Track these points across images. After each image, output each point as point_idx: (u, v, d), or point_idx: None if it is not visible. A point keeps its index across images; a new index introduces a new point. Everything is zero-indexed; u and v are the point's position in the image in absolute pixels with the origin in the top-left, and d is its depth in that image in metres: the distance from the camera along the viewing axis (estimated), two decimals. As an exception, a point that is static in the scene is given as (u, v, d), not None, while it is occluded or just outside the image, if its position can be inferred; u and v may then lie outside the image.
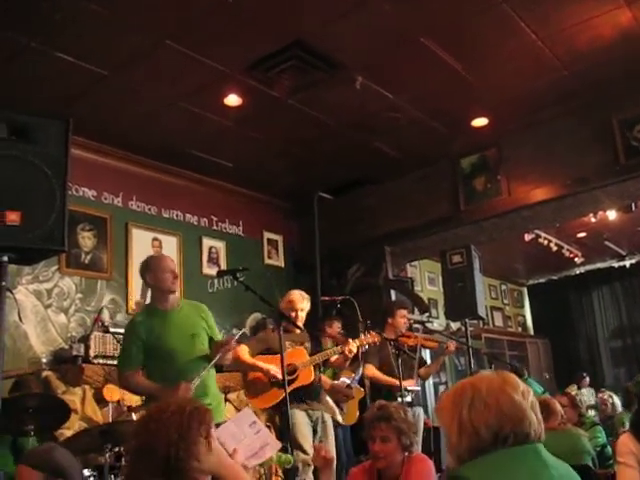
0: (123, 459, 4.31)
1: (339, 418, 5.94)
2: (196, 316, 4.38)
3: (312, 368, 4.94)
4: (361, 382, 6.13)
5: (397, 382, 5.40)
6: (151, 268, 4.27)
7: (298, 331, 5.02)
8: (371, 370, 5.73)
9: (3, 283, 3.10)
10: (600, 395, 8.19)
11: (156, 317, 4.22)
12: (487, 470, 1.69)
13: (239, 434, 2.50)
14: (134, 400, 5.52)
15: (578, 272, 12.49)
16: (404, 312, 6.19)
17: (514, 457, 1.72)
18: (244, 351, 4.87)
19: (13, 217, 3.03)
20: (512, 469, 1.69)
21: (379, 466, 3.12)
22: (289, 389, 4.37)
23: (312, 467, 4.50)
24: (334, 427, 5.40)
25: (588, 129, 6.41)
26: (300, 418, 4.78)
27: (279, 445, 2.63)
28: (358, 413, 6.16)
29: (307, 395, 4.88)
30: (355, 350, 5.03)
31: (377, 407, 3.28)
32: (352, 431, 6.39)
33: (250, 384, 4.92)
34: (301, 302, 5.08)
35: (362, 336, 5.15)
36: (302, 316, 5.08)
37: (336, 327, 6.25)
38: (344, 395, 6.07)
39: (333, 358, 5.07)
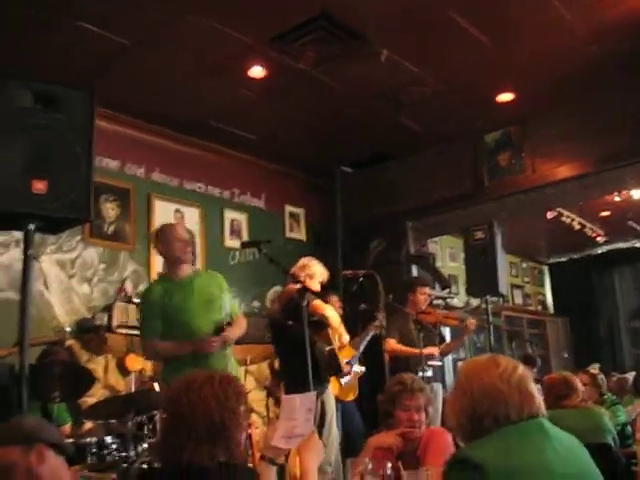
0: (145, 427, 4.38)
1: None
2: (213, 285, 4.36)
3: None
4: (377, 358, 6.07)
5: (428, 350, 5.45)
6: (162, 237, 4.27)
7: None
8: (391, 344, 5.73)
9: (30, 251, 3.12)
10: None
11: (170, 285, 4.21)
12: (490, 448, 1.73)
13: (295, 412, 2.49)
14: (155, 370, 5.60)
15: (600, 252, 12.36)
16: (425, 289, 6.20)
17: (516, 433, 1.77)
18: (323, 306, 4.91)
19: (39, 186, 3.04)
20: (516, 445, 1.73)
21: (414, 436, 3.13)
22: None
23: None
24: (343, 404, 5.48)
25: (615, 107, 6.32)
26: (331, 392, 4.86)
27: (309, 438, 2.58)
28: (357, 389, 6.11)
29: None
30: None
31: (408, 379, 3.28)
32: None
33: None
34: (324, 273, 5.13)
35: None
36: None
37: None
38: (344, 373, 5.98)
39: None
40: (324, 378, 4.75)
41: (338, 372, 5.02)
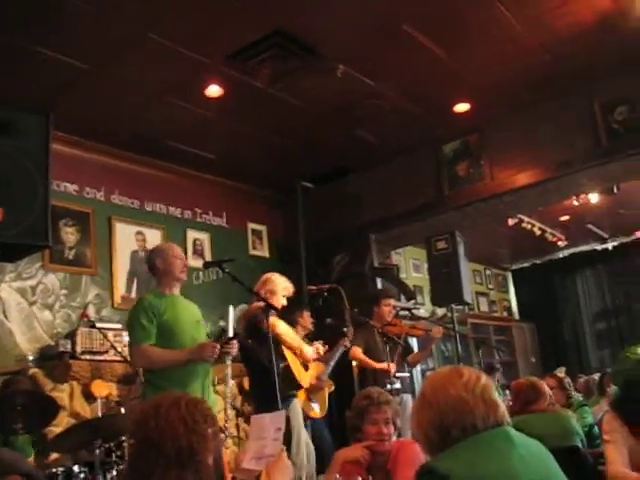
0: (113, 454, 4.30)
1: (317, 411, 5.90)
2: (195, 308, 4.44)
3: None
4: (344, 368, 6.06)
5: (381, 366, 5.44)
6: (161, 255, 4.29)
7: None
8: (357, 352, 5.74)
9: (-13, 280, 3.08)
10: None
11: (165, 300, 4.20)
12: (456, 459, 1.74)
13: (264, 431, 2.48)
14: (121, 396, 5.52)
15: (562, 256, 12.55)
16: (389, 301, 6.22)
17: (482, 442, 1.78)
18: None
19: (-5, 213, 3.00)
20: (481, 454, 1.74)
21: (383, 449, 3.12)
22: None
23: None
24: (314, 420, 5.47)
25: (570, 113, 6.44)
26: (299, 408, 4.82)
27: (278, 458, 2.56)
28: (327, 405, 6.09)
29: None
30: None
31: (374, 392, 3.28)
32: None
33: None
34: (290, 287, 5.11)
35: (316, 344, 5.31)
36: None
37: (307, 317, 6.14)
38: (316, 387, 5.94)
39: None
40: (283, 395, 4.69)
41: (296, 388, 5.01)
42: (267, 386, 4.15)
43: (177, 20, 4.75)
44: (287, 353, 4.85)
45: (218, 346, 4.05)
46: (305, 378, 5.05)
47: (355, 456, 3.06)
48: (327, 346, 5.48)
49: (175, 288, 4.32)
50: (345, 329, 5.57)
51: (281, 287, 5.02)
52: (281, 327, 4.78)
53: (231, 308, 4.28)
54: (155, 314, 4.09)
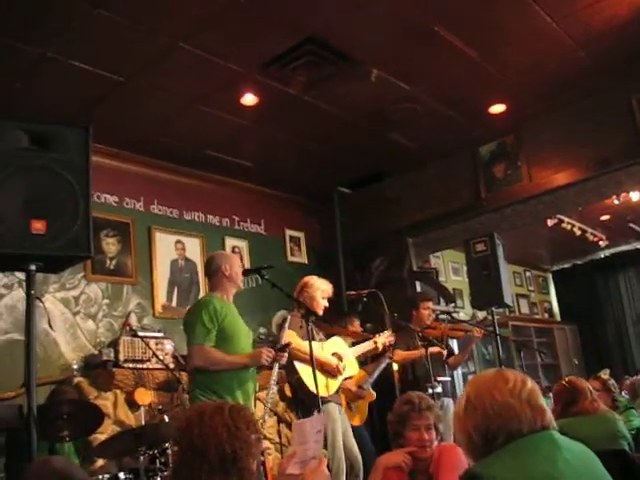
0: (157, 461, 4.35)
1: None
2: None
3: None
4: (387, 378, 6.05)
5: (433, 349, 5.49)
6: (230, 260, 4.45)
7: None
8: (400, 353, 5.71)
9: (32, 292, 3.13)
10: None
11: (226, 305, 4.32)
12: (500, 464, 1.72)
13: (306, 436, 2.50)
14: (164, 403, 5.57)
15: (603, 256, 12.35)
16: (428, 304, 6.19)
17: (527, 447, 1.75)
18: (296, 339, 4.75)
19: (38, 226, 3.06)
20: (526, 459, 1.72)
21: (425, 455, 3.11)
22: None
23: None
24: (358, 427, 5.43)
25: (608, 110, 6.34)
26: (335, 413, 4.78)
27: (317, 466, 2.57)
28: (367, 414, 6.09)
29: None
30: (381, 347, 5.14)
31: (415, 397, 3.26)
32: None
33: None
34: (329, 290, 5.11)
35: (377, 336, 5.23)
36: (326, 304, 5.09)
37: (356, 325, 6.17)
38: (357, 396, 5.90)
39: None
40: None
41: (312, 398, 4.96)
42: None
43: (209, 30, 4.80)
44: (299, 365, 4.78)
45: (273, 352, 4.18)
46: (330, 386, 4.93)
47: (397, 462, 3.05)
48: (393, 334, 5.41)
49: (231, 295, 4.44)
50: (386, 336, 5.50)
51: (319, 290, 5.04)
52: (294, 341, 4.78)
53: (288, 317, 4.57)
54: (217, 318, 4.18)
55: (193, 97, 5.71)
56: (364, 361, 5.80)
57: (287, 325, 4.61)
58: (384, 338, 5.31)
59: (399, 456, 3.08)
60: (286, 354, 4.33)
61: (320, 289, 5.05)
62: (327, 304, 5.05)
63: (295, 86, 5.66)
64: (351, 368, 5.08)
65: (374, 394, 5.96)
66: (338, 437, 4.73)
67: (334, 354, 4.90)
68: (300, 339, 4.67)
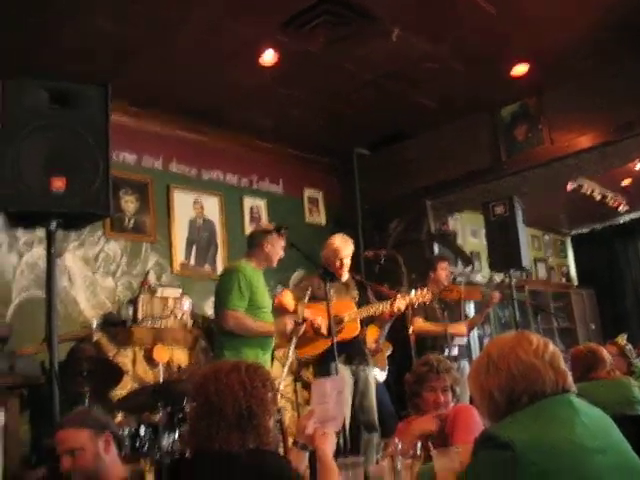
0: (175, 417, 4.42)
1: (379, 377, 5.91)
2: None
3: (358, 321, 4.95)
4: (402, 337, 6.04)
5: (445, 329, 5.42)
6: (271, 240, 4.61)
7: (344, 279, 5.04)
8: (419, 323, 5.71)
9: (53, 249, 3.16)
10: None
11: (257, 274, 4.56)
12: (518, 426, 1.72)
13: (326, 396, 2.54)
14: (182, 360, 5.65)
15: (622, 221, 12.21)
16: (445, 265, 6.18)
17: (544, 410, 1.75)
18: (288, 298, 4.91)
19: (59, 184, 3.08)
20: (544, 422, 1.72)
21: (442, 417, 3.12)
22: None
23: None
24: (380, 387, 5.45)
25: (633, 73, 6.22)
26: (344, 377, 4.79)
27: (340, 426, 2.61)
28: (387, 366, 6.16)
29: (352, 349, 4.87)
30: (403, 308, 4.98)
31: (434, 360, 3.28)
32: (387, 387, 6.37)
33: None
34: (345, 248, 5.07)
35: (412, 294, 5.03)
36: (347, 263, 5.08)
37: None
38: (373, 352, 5.94)
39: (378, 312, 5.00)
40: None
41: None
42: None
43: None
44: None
45: (293, 322, 4.48)
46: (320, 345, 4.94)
47: (431, 429, 3.04)
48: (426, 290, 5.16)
49: (261, 268, 4.66)
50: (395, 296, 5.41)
51: (333, 250, 5.07)
52: (284, 300, 4.91)
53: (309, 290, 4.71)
54: (249, 286, 4.39)
55: (211, 55, 5.66)
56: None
57: (307, 299, 4.69)
58: (419, 297, 5.07)
59: (432, 423, 3.07)
60: (304, 326, 4.54)
61: (333, 249, 5.06)
62: (346, 263, 5.05)
63: (314, 45, 5.59)
64: (349, 330, 4.91)
65: (389, 345, 6.04)
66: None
67: (335, 316, 4.80)
68: (291, 300, 4.83)
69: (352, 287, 5.12)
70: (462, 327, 5.75)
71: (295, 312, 4.70)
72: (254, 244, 4.66)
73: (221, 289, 4.50)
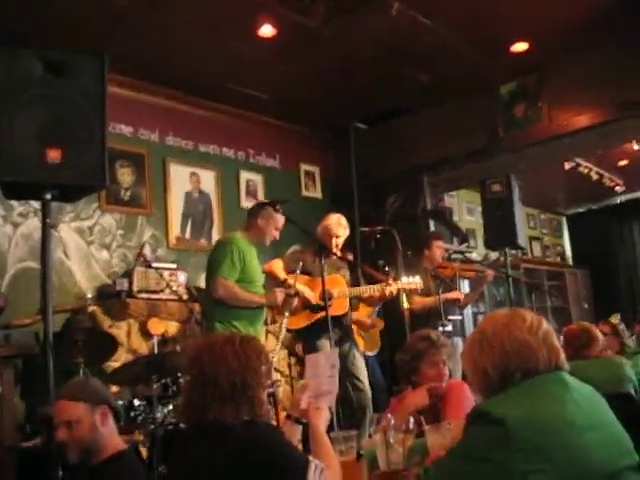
0: (170, 390, 4.44)
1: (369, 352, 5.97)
2: None
3: (347, 299, 4.96)
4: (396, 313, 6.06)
5: (452, 295, 5.65)
6: (268, 218, 4.59)
7: (336, 257, 5.04)
8: (417, 300, 5.72)
9: (47, 220, 3.14)
10: None
11: (250, 248, 4.55)
12: (510, 402, 1.73)
13: (320, 370, 2.55)
14: (177, 333, 5.66)
15: (619, 201, 12.23)
16: (440, 243, 6.20)
17: (536, 386, 1.76)
18: (278, 266, 4.92)
19: (54, 155, 3.05)
20: (535, 398, 1.73)
21: (438, 391, 3.12)
22: (320, 316, 4.57)
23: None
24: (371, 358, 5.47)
25: (632, 52, 6.18)
26: (327, 350, 4.80)
27: (333, 401, 2.61)
28: (379, 342, 6.21)
29: (338, 326, 4.84)
30: (395, 293, 5.00)
31: (433, 334, 3.29)
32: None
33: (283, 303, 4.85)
34: (337, 229, 5.06)
35: (404, 280, 5.08)
36: (339, 243, 5.08)
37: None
38: (368, 327, 5.95)
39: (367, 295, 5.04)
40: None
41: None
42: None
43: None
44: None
45: (284, 294, 4.46)
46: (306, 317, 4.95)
47: (425, 403, 3.04)
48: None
49: (254, 242, 4.64)
50: (387, 269, 5.42)
51: (326, 227, 5.08)
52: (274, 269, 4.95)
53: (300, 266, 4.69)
54: (242, 258, 4.39)
55: (210, 27, 5.60)
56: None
57: (299, 271, 4.68)
58: (410, 285, 5.12)
59: (425, 399, 3.07)
60: (296, 299, 4.54)
61: (324, 225, 5.09)
62: (339, 242, 5.05)
63: (314, 18, 5.54)
64: (338, 307, 4.92)
65: (382, 322, 6.08)
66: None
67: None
68: (281, 270, 4.86)
69: (343, 266, 5.12)
70: (458, 293, 5.82)
71: (285, 282, 4.72)
72: (251, 217, 4.68)
73: (214, 259, 4.51)
